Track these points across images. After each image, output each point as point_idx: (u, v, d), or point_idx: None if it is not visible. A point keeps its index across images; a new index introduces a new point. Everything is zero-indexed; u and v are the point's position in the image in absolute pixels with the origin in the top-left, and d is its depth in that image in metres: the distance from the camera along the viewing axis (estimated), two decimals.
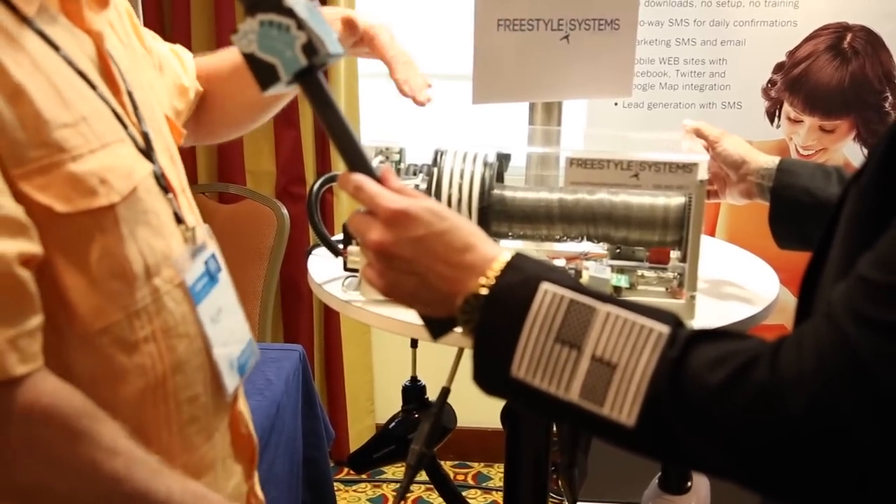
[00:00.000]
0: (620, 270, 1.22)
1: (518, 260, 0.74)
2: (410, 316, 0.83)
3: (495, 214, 1.22)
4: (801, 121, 2.38)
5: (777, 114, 2.38)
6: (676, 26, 2.31)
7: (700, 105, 2.36)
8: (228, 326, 0.98)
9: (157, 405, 0.88)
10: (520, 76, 1.32)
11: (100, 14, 0.91)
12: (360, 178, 0.79)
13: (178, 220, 0.93)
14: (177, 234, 0.92)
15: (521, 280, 0.71)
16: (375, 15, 1.19)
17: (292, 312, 2.76)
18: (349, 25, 1.17)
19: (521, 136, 1.43)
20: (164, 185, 0.91)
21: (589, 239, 1.24)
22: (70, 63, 0.82)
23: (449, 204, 1.19)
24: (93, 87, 0.84)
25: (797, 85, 2.35)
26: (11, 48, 0.75)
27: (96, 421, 0.78)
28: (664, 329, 0.66)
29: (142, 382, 0.86)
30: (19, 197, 0.75)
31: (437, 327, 0.80)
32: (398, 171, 1.28)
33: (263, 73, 0.79)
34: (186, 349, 0.90)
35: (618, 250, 1.27)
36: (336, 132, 0.81)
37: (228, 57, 1.22)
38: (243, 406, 1.05)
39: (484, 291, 0.72)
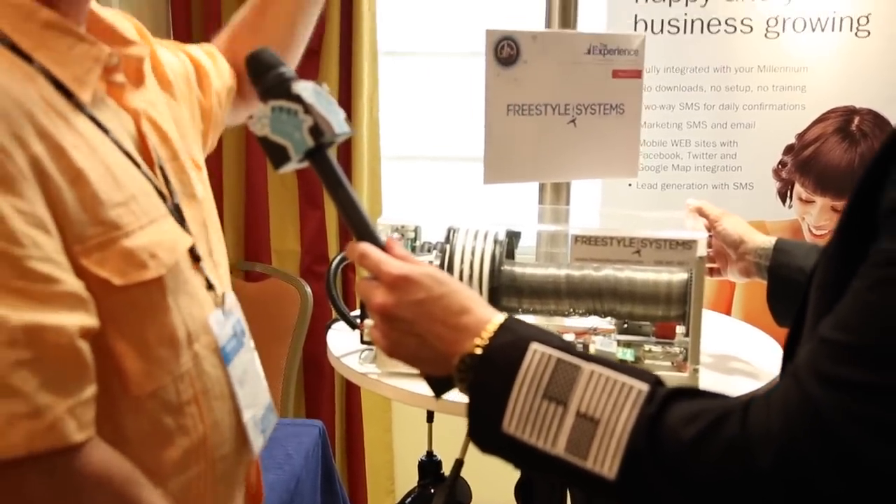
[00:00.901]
0: (627, 345, 1.27)
1: (510, 322, 0.79)
2: (425, 388, 0.87)
3: (505, 290, 1.27)
4: (813, 201, 2.42)
5: (788, 194, 2.43)
6: (687, 110, 2.39)
7: (712, 186, 2.42)
8: (252, 389, 1.03)
9: (199, 462, 0.93)
10: (529, 158, 1.38)
11: (137, 92, 0.98)
12: (365, 247, 0.85)
13: (209, 286, 0.99)
14: (209, 299, 0.98)
15: (512, 341, 0.76)
16: None
17: (314, 389, 2.80)
18: None
19: (531, 214, 1.49)
20: (195, 255, 0.97)
21: (596, 313, 1.28)
22: (118, 145, 0.89)
23: (461, 279, 1.24)
24: (137, 165, 0.91)
25: (808, 166, 2.41)
26: (71, 133, 0.82)
27: (141, 487, 0.83)
28: (643, 387, 0.70)
29: (186, 442, 0.91)
30: (79, 271, 0.80)
31: (439, 385, 0.84)
32: (413, 248, 1.34)
33: (276, 154, 0.86)
34: (220, 410, 0.96)
35: (625, 325, 1.31)
36: (343, 204, 0.87)
37: (240, 18, 1.28)
38: (258, 467, 1.11)
39: (478, 351, 0.77)
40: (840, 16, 2.35)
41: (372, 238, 0.86)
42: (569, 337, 1.29)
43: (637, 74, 1.45)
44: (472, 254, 1.26)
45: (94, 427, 0.79)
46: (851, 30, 2.35)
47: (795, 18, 2.36)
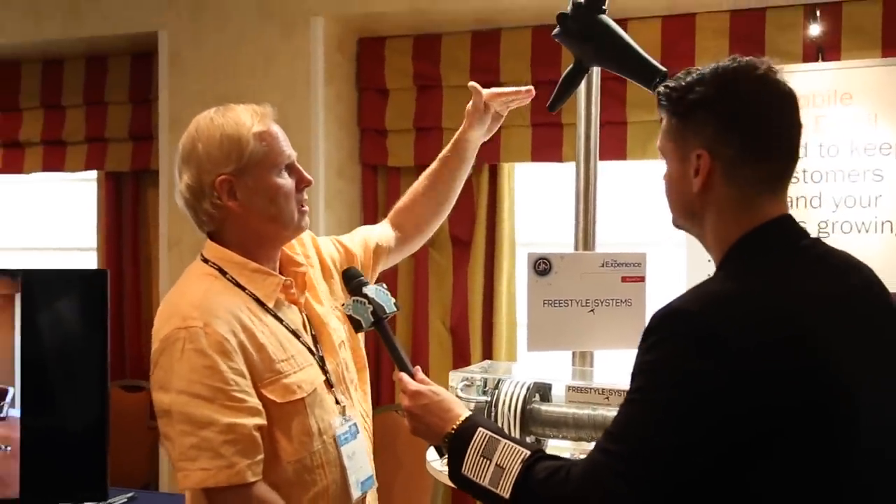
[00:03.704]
0: None
1: (471, 416, 1.48)
2: None
3: (531, 421, 1.95)
4: None
5: None
6: None
7: None
8: (358, 462, 1.77)
9: (322, 502, 1.68)
10: (559, 336, 2.09)
11: (303, 293, 1.80)
12: (401, 374, 1.60)
13: (336, 401, 1.76)
14: (335, 410, 1.75)
15: (470, 425, 1.45)
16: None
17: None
18: (477, 107, 1.94)
19: (565, 372, 2.18)
20: (330, 383, 1.76)
21: (593, 440, 1.93)
22: (287, 327, 1.71)
23: (500, 411, 1.94)
24: (297, 337, 1.72)
25: None
26: (260, 324, 1.65)
27: None
28: (527, 452, 1.36)
29: (314, 490, 1.66)
30: (259, 396, 1.60)
31: (440, 451, 1.54)
32: (484, 391, 2.06)
33: (355, 324, 1.67)
34: (336, 473, 1.70)
35: None
36: (393, 353, 1.64)
37: (417, 191, 2.04)
38: None
39: (453, 431, 1.47)
40: (881, 220, 2.88)
41: (407, 370, 1.61)
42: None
43: (640, 279, 2.12)
44: (511, 397, 1.96)
45: (261, 475, 1.56)
46: (892, 231, 2.86)
47: (843, 222, 2.91)
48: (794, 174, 2.87)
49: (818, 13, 3.08)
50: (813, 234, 2.87)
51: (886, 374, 1.29)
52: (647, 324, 1.27)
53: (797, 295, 1.25)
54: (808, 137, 2.95)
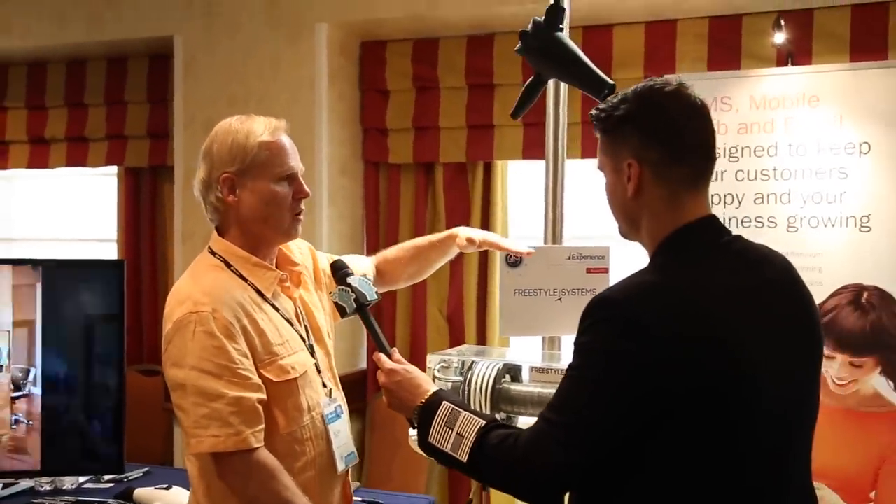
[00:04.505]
0: None
1: (438, 392, 1.68)
2: None
3: (501, 400, 2.15)
4: (834, 357, 3.05)
5: None
6: None
7: None
8: (342, 439, 1.99)
9: (311, 470, 1.89)
10: (530, 321, 2.29)
11: (297, 289, 2.03)
12: (380, 355, 1.80)
13: (323, 384, 1.98)
14: (322, 391, 1.97)
15: (436, 399, 1.65)
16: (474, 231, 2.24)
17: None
18: (470, 241, 2.19)
19: (536, 355, 2.38)
20: (318, 368, 1.98)
21: None
22: (282, 315, 1.93)
23: (472, 390, 2.15)
24: (291, 324, 1.94)
25: (827, 329, 3.05)
26: (260, 312, 1.86)
27: (282, 473, 1.80)
28: (483, 422, 1.56)
29: (304, 459, 1.88)
30: (259, 375, 1.82)
31: (412, 423, 1.74)
32: (456, 371, 2.27)
33: (340, 310, 1.87)
34: (322, 446, 1.93)
35: None
36: (374, 335, 1.85)
37: (402, 254, 2.29)
38: (350, 482, 2.05)
39: (421, 404, 1.67)
40: (846, 215, 3.05)
41: (385, 351, 1.81)
42: None
43: (604, 271, 2.32)
44: (482, 377, 2.17)
45: (263, 442, 1.78)
46: (856, 225, 3.04)
47: (810, 217, 3.09)
48: (765, 172, 3.05)
49: (788, 20, 3.25)
50: (782, 228, 3.07)
51: (787, 354, 1.49)
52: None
53: (714, 288, 1.46)
54: (777, 137, 3.13)
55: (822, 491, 2.99)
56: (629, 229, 1.60)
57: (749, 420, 1.42)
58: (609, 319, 1.43)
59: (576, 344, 1.48)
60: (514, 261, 2.28)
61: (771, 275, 1.56)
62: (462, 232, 2.23)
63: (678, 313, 1.41)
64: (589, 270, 2.33)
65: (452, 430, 1.59)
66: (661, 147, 1.49)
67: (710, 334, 1.40)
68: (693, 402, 1.39)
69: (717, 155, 3.09)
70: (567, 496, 1.56)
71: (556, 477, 1.45)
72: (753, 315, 1.46)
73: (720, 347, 1.41)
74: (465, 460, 1.55)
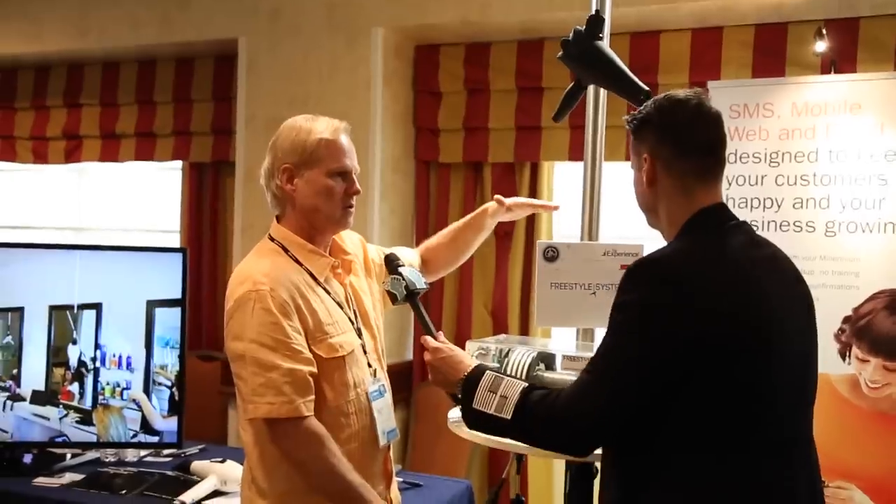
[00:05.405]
0: None
1: (478, 365, 1.82)
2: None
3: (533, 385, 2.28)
4: (868, 360, 3.10)
5: (847, 354, 3.13)
6: None
7: None
8: (384, 416, 2.13)
9: (355, 441, 2.04)
10: (564, 313, 2.41)
11: (348, 276, 2.18)
12: (426, 337, 1.94)
13: (369, 364, 2.13)
14: (367, 371, 2.12)
15: (479, 370, 1.79)
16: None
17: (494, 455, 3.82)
18: (500, 202, 2.36)
19: (571, 345, 2.50)
20: (364, 349, 2.13)
21: None
22: (333, 299, 2.08)
23: (510, 376, 2.28)
24: (341, 307, 2.10)
25: (863, 333, 3.11)
26: (313, 294, 2.02)
27: (329, 440, 1.95)
28: (524, 385, 1.70)
29: (349, 431, 2.03)
30: (311, 350, 1.97)
31: (455, 399, 1.87)
32: (494, 358, 2.40)
33: (392, 297, 2.03)
34: (366, 420, 2.07)
35: None
36: (421, 319, 1.99)
37: (441, 239, 2.46)
38: (391, 458, 2.19)
39: (464, 376, 1.80)
40: (884, 221, 3.10)
41: (431, 334, 1.95)
42: None
43: None
44: (518, 364, 2.30)
45: (313, 412, 1.93)
46: (893, 232, 3.09)
47: (848, 222, 3.15)
48: (805, 177, 3.11)
49: (833, 28, 3.30)
50: (820, 233, 3.13)
51: (798, 313, 1.69)
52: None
53: (737, 253, 1.64)
54: (818, 143, 3.19)
55: (853, 492, 3.05)
56: (651, 216, 1.79)
57: (776, 369, 1.58)
58: (645, 277, 1.62)
59: (614, 305, 1.64)
60: (551, 255, 2.41)
61: (773, 249, 1.75)
62: (489, 208, 2.40)
63: (710, 270, 1.59)
64: (623, 267, 2.44)
65: (496, 393, 1.73)
66: (671, 144, 1.69)
67: (740, 289, 1.58)
68: (725, 353, 1.54)
69: (758, 160, 3.19)
70: (600, 464, 1.70)
71: (596, 426, 1.60)
72: (771, 277, 1.65)
73: (750, 301, 1.58)
74: (509, 417, 1.68)
